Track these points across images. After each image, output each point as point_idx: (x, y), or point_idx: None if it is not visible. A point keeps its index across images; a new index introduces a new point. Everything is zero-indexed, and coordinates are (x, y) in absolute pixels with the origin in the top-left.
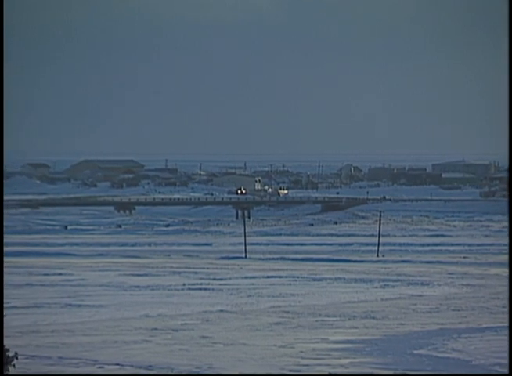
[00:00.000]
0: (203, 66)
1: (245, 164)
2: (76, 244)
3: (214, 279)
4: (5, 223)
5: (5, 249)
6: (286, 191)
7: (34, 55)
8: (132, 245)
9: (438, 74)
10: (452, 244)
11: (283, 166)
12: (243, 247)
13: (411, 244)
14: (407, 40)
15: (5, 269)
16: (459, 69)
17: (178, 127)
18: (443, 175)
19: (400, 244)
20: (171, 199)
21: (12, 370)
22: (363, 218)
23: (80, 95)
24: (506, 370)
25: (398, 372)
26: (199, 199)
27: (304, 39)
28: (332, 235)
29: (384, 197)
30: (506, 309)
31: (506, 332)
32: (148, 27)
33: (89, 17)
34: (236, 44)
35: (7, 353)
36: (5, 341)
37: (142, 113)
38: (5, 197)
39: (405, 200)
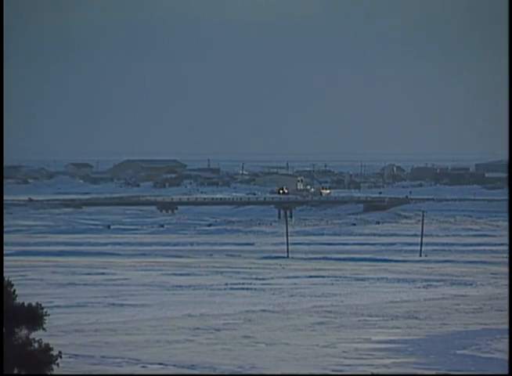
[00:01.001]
0: (245, 67)
1: (287, 164)
2: (119, 244)
3: (256, 278)
4: (48, 223)
5: (49, 248)
6: (328, 191)
7: (67, 54)
8: (175, 245)
9: (483, 73)
10: (495, 244)
11: (325, 166)
12: (286, 246)
13: (454, 244)
14: (446, 39)
15: (47, 268)
16: (500, 68)
17: (220, 127)
18: (486, 175)
19: (443, 244)
20: (213, 199)
21: (56, 370)
22: (406, 217)
23: (121, 96)
24: None
25: (440, 372)
26: (241, 199)
27: (342, 38)
28: (374, 235)
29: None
30: None
31: None
32: (178, 24)
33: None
34: (269, 43)
35: (51, 352)
36: (49, 340)
37: (184, 113)
38: (49, 197)
39: (448, 200)
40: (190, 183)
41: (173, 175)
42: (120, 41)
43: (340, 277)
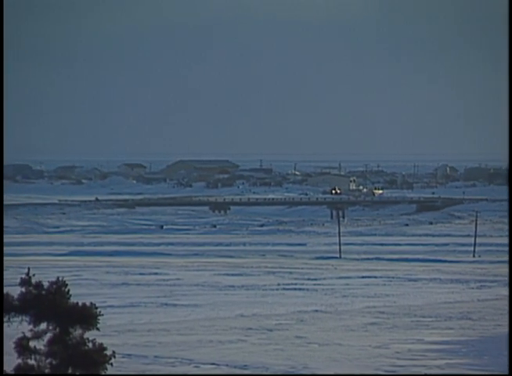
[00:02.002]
0: (295, 66)
1: (339, 164)
2: (171, 244)
3: (308, 279)
4: (102, 223)
5: (102, 248)
6: (380, 191)
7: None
8: (227, 245)
9: None
10: None
11: (378, 166)
12: (338, 247)
13: (508, 245)
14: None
15: (101, 268)
16: None
17: (272, 127)
18: None
19: (497, 245)
20: (265, 199)
21: (110, 369)
22: (459, 218)
23: (173, 96)
24: None
25: (495, 373)
26: (293, 199)
27: (395, 37)
28: (427, 235)
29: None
30: None
31: None
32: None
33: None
34: (319, 42)
35: (104, 352)
36: (103, 340)
37: (237, 113)
38: (103, 197)
39: (501, 201)
40: (243, 183)
41: (225, 176)
42: (167, 41)
43: (393, 278)
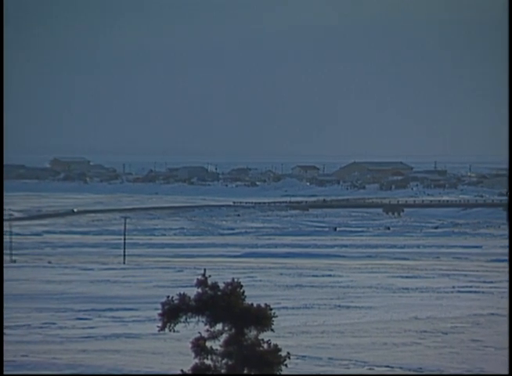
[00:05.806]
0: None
1: None
2: (345, 246)
3: (484, 282)
4: (276, 225)
5: (276, 250)
6: None
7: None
8: (401, 247)
9: None
10: None
11: None
12: None
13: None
14: None
15: (275, 270)
16: None
17: (447, 128)
18: None
19: None
20: (439, 201)
21: (284, 370)
22: None
23: (346, 98)
24: None
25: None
26: (468, 201)
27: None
28: None
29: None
30: None
31: None
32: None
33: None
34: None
35: (279, 353)
36: (277, 341)
37: (411, 115)
38: (276, 199)
39: None
40: (417, 185)
41: (399, 178)
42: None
43: None
